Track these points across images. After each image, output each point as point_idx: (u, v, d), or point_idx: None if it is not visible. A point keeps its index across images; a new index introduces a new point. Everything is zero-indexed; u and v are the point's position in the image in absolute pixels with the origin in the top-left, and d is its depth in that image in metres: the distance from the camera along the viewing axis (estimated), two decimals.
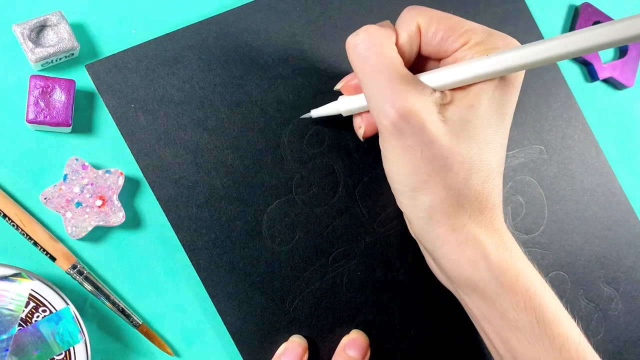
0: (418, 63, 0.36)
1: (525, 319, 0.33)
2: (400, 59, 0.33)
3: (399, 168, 0.33)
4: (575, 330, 0.34)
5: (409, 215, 0.35)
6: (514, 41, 0.33)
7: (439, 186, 0.33)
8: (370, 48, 0.33)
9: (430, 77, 0.33)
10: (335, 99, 0.40)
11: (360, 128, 0.39)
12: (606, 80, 0.52)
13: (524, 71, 0.34)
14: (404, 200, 0.35)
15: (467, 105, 0.32)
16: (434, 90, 0.33)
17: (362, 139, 0.40)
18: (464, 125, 0.32)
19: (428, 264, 0.40)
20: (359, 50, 0.33)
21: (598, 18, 0.52)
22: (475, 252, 0.33)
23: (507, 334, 0.34)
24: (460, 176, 0.32)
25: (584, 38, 0.28)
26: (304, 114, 0.42)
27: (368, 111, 0.39)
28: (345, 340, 0.41)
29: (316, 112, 0.41)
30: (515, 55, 0.31)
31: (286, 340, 0.40)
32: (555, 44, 0.29)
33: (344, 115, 0.40)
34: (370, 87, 0.33)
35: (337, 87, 0.39)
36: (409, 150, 0.32)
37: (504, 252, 0.34)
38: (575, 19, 0.51)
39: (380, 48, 0.33)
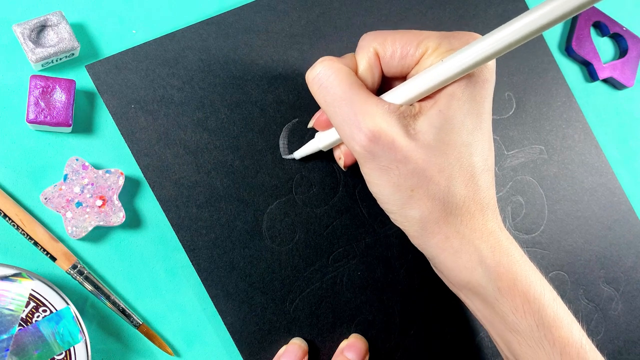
0: (385, 85, 0.36)
1: (524, 322, 0.33)
2: (360, 83, 0.33)
3: (382, 189, 0.34)
4: (577, 331, 0.34)
5: (405, 230, 0.36)
6: (472, 36, 0.33)
7: (423, 199, 0.33)
8: (328, 78, 0.33)
9: (394, 95, 0.33)
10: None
11: (340, 159, 0.40)
12: (606, 80, 0.52)
13: (494, 64, 0.34)
14: (396, 218, 0.35)
15: (437, 112, 0.32)
16: (399, 105, 0.33)
17: (344, 169, 0.41)
18: (436, 133, 0.32)
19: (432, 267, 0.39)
20: (317, 82, 0.34)
21: (598, 18, 0.52)
22: (470, 258, 0.33)
23: (509, 337, 0.34)
24: (441, 185, 0.32)
25: (529, 21, 0.28)
26: (304, 114, 0.42)
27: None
28: (343, 343, 0.41)
29: (299, 153, 0.41)
30: (468, 53, 0.30)
31: (286, 340, 0.40)
32: (502, 34, 0.29)
33: (324, 150, 0.40)
34: (336, 117, 0.33)
35: (310, 125, 0.39)
36: (385, 170, 0.32)
37: (500, 256, 0.33)
38: (575, 19, 0.51)
39: (338, 76, 0.33)
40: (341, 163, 0.40)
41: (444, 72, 0.31)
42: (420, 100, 0.33)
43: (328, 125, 0.38)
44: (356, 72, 0.34)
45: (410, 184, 0.32)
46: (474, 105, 0.33)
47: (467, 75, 0.32)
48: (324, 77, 0.33)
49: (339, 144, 0.39)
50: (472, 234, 0.33)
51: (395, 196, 0.33)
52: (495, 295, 0.33)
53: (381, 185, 0.33)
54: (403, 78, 0.35)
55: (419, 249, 0.36)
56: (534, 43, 0.49)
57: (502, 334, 0.35)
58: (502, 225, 0.35)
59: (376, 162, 0.32)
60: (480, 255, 0.33)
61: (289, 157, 0.41)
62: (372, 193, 0.35)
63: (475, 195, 0.33)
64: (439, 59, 0.32)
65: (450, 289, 0.37)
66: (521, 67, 0.48)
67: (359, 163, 0.34)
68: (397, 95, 0.33)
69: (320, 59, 0.34)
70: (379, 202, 0.35)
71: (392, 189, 0.33)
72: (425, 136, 0.32)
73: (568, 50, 0.51)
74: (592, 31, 0.53)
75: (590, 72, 0.52)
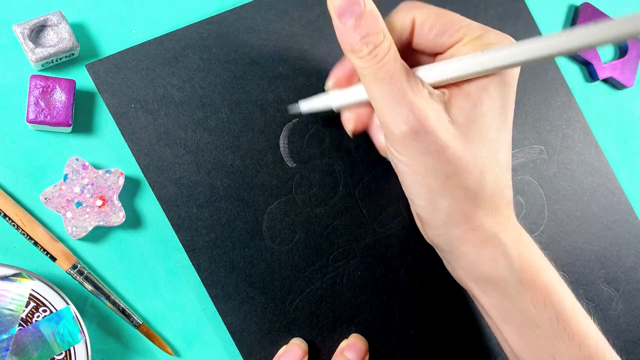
0: (411, 56, 0.36)
1: (544, 315, 0.33)
2: (403, 62, 0.32)
3: (416, 170, 0.33)
4: (593, 326, 0.34)
5: (427, 218, 0.35)
6: (509, 38, 0.33)
7: (456, 187, 0.33)
8: (389, 52, 0.31)
9: (429, 72, 0.33)
10: None
11: (349, 122, 0.38)
12: (606, 80, 0.52)
13: (519, 69, 0.34)
14: (420, 202, 0.34)
15: (471, 106, 0.32)
16: (435, 89, 0.33)
17: (350, 135, 0.39)
18: (470, 125, 0.32)
19: (445, 264, 0.39)
20: (375, 53, 0.31)
21: (598, 18, 0.52)
22: (494, 249, 0.34)
23: (527, 331, 0.34)
24: (474, 175, 0.32)
25: (580, 35, 0.28)
26: (304, 114, 0.41)
27: (359, 105, 0.37)
28: (343, 344, 0.41)
29: (305, 105, 0.39)
30: (512, 51, 0.31)
31: (286, 340, 0.40)
32: (552, 42, 0.29)
33: (336, 110, 0.38)
34: (382, 94, 0.32)
35: (328, 85, 0.37)
36: (426, 153, 0.32)
37: (523, 249, 0.34)
38: (575, 19, 0.51)
39: (396, 54, 0.32)
40: (350, 127, 0.38)
41: (485, 62, 0.31)
42: (448, 87, 0.33)
43: (348, 82, 0.37)
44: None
45: (446, 170, 0.32)
46: (503, 104, 0.33)
47: (498, 76, 0.33)
48: (385, 50, 0.31)
49: (351, 106, 0.37)
50: (496, 227, 0.34)
51: (428, 180, 0.33)
52: (517, 287, 0.34)
53: (416, 167, 0.33)
54: (431, 55, 0.35)
55: (434, 241, 0.36)
56: None
57: (519, 329, 0.34)
58: (519, 223, 0.35)
59: (417, 144, 0.32)
60: (505, 248, 0.34)
61: (294, 110, 0.40)
62: (402, 175, 0.34)
63: (503, 190, 0.34)
64: (476, 50, 0.32)
65: (463, 284, 0.37)
66: (521, 67, 0.48)
67: (393, 142, 0.33)
68: (434, 72, 0.33)
69: (381, 30, 0.31)
70: (406, 183, 0.34)
71: (427, 172, 0.32)
72: (462, 127, 0.32)
73: None
74: None
75: (590, 72, 0.52)
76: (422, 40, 0.34)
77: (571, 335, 0.33)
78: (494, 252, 0.34)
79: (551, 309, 0.33)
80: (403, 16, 0.34)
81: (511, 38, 0.34)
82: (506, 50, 0.31)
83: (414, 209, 0.36)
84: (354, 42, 0.31)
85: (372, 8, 0.31)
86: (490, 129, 0.33)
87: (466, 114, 0.32)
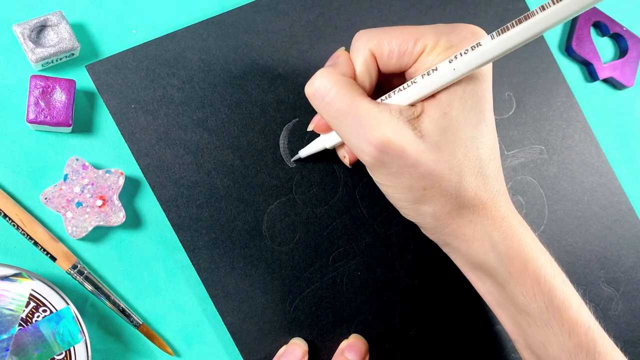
0: (383, 81, 0.36)
1: (534, 304, 0.34)
2: (361, 91, 0.33)
3: (394, 190, 0.34)
4: (585, 313, 0.35)
5: (418, 223, 0.37)
6: (469, 30, 0.33)
7: (436, 196, 0.33)
8: (328, 93, 0.33)
9: (398, 98, 0.33)
10: None
11: (345, 158, 0.40)
12: (606, 80, 0.52)
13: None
14: (408, 213, 0.36)
15: (441, 114, 0.32)
16: (401, 107, 0.33)
17: (349, 167, 0.41)
18: (442, 133, 0.32)
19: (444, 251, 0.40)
20: (319, 97, 0.33)
21: (598, 18, 0.52)
22: (483, 244, 0.34)
23: (518, 319, 0.35)
24: (453, 181, 0.33)
25: (537, 21, 0.28)
26: (304, 114, 0.42)
27: None
28: (343, 344, 0.41)
29: (304, 152, 0.41)
30: (475, 55, 0.30)
31: (286, 340, 0.40)
32: (513, 33, 0.29)
33: (330, 148, 0.40)
34: (342, 130, 0.33)
35: (310, 128, 0.39)
36: (397, 175, 0.33)
37: (512, 241, 0.34)
38: (575, 19, 0.51)
39: (339, 89, 0.33)
40: (346, 161, 0.40)
41: (450, 74, 0.31)
42: (421, 101, 0.33)
43: (329, 128, 0.38)
44: (353, 75, 0.34)
45: (422, 184, 0.33)
46: (476, 100, 0.33)
47: (467, 76, 0.32)
48: (325, 92, 0.33)
49: (342, 143, 0.39)
50: (484, 222, 0.34)
51: (407, 195, 0.34)
52: (507, 278, 0.34)
53: (393, 187, 0.34)
54: (401, 74, 0.35)
55: (431, 238, 0.37)
56: (534, 43, 0.49)
57: (512, 316, 0.35)
58: (514, 209, 0.35)
59: (386, 169, 0.33)
60: (493, 241, 0.34)
61: (295, 158, 0.41)
62: (382, 191, 0.36)
63: (486, 185, 0.34)
64: (440, 56, 0.32)
65: (462, 270, 0.38)
66: (521, 67, 0.48)
67: (368, 170, 0.35)
68: (403, 97, 0.33)
69: (318, 73, 0.34)
70: (390, 200, 0.36)
71: (404, 189, 0.34)
72: (432, 137, 0.32)
73: (568, 50, 0.51)
74: (592, 31, 0.53)
75: (590, 72, 0.52)
76: (388, 66, 0.35)
77: (560, 323, 0.34)
78: (482, 246, 0.34)
79: (540, 298, 0.34)
80: (362, 52, 0.34)
81: (468, 28, 0.33)
82: (468, 57, 0.30)
83: (404, 216, 0.37)
84: (307, 92, 0.34)
85: (322, 76, 0.34)
86: (464, 130, 0.33)
87: (437, 123, 0.32)
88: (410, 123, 0.32)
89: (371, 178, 0.42)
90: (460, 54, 0.31)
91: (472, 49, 0.30)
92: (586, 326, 0.34)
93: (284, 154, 0.41)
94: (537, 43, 0.49)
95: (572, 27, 0.51)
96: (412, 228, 0.43)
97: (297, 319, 0.41)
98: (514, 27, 0.29)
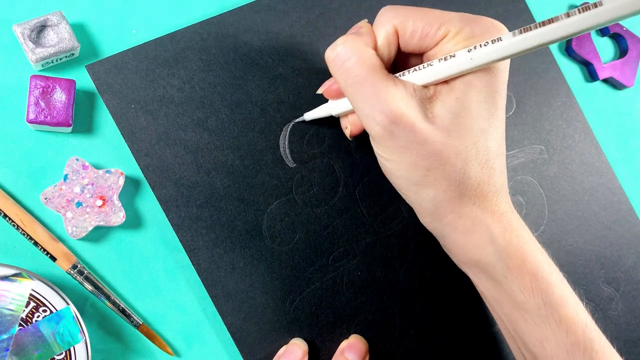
0: (400, 59, 0.37)
1: (532, 301, 0.34)
2: (380, 64, 0.33)
3: (398, 165, 0.34)
4: (582, 312, 0.35)
5: (416, 208, 0.36)
6: (492, 24, 0.33)
7: (439, 179, 0.33)
8: (349, 59, 0.33)
9: (412, 77, 0.33)
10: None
11: (347, 128, 0.40)
12: (606, 80, 0.52)
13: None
14: (408, 194, 0.36)
15: (454, 99, 0.33)
16: (415, 87, 0.33)
17: (349, 138, 0.41)
18: (453, 119, 0.33)
19: (443, 248, 0.40)
20: (339, 63, 0.34)
21: None
22: (481, 237, 0.34)
23: (515, 316, 0.35)
24: (457, 167, 0.33)
25: (559, 27, 0.28)
26: (302, 113, 0.42)
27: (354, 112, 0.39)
28: (344, 344, 0.41)
29: (309, 115, 0.41)
30: (494, 49, 0.31)
31: (286, 340, 0.40)
32: (534, 34, 0.29)
33: (335, 116, 0.40)
34: (356, 97, 0.33)
35: (319, 91, 0.39)
36: (403, 149, 0.33)
37: (511, 236, 0.34)
38: None
39: (360, 57, 0.33)
40: (347, 132, 0.40)
41: (468, 62, 0.32)
42: (435, 84, 0.33)
43: (338, 95, 0.38)
44: (374, 47, 0.34)
45: (426, 163, 0.33)
46: (490, 93, 0.33)
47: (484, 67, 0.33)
48: (345, 58, 0.33)
49: (347, 113, 0.39)
50: (484, 215, 0.34)
51: (410, 173, 0.34)
52: (505, 273, 0.34)
53: (397, 162, 0.34)
54: (419, 55, 0.36)
55: (428, 228, 0.37)
56: None
57: (508, 313, 0.35)
58: (512, 207, 0.36)
59: (395, 141, 0.33)
60: (491, 235, 0.34)
61: (300, 119, 0.41)
62: (384, 168, 0.36)
63: (490, 178, 0.34)
64: (460, 44, 0.33)
65: (459, 267, 0.38)
66: (521, 67, 0.48)
67: (373, 140, 0.35)
68: (417, 77, 0.33)
69: (341, 38, 0.34)
70: (390, 177, 0.36)
71: (408, 166, 0.34)
72: (444, 121, 0.32)
73: (568, 50, 0.51)
74: (593, 31, 0.53)
75: (590, 72, 0.52)
76: (408, 45, 0.35)
77: (558, 321, 0.34)
78: (480, 239, 0.34)
79: (538, 295, 0.34)
80: (385, 26, 0.35)
81: (494, 23, 0.33)
82: (488, 49, 0.31)
83: (405, 199, 0.37)
84: (327, 56, 0.34)
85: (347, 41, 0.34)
86: (476, 120, 0.33)
87: (449, 107, 0.33)
88: (423, 103, 0.33)
89: (372, 178, 0.43)
90: (480, 45, 0.31)
91: (492, 42, 0.31)
92: (583, 324, 0.34)
93: (284, 154, 0.41)
94: None
95: None
96: (413, 228, 0.43)
97: (297, 319, 0.41)
98: (536, 28, 0.29)
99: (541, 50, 0.49)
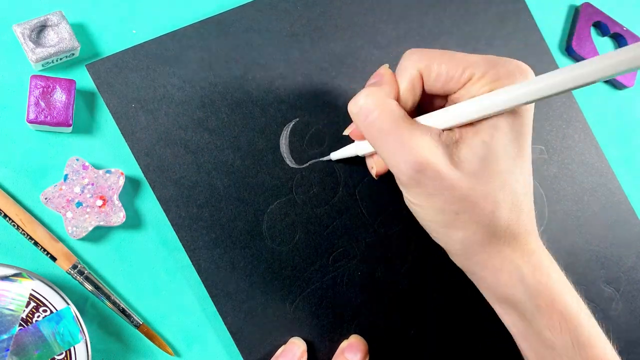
0: (424, 100, 0.37)
1: (560, 340, 0.34)
2: (403, 114, 0.33)
3: (426, 211, 0.34)
4: (610, 351, 0.35)
5: (446, 248, 0.36)
6: (517, 67, 0.33)
7: (468, 222, 0.33)
8: (372, 112, 0.33)
9: (437, 119, 0.33)
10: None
11: (372, 168, 0.40)
12: (606, 80, 0.52)
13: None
14: (438, 236, 0.36)
15: (480, 142, 0.32)
16: (441, 131, 0.33)
17: (375, 178, 0.41)
18: (480, 162, 0.32)
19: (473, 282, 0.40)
20: (363, 116, 0.34)
21: (598, 18, 0.52)
22: (511, 276, 0.34)
23: (544, 353, 0.35)
24: (486, 210, 0.33)
25: (587, 72, 0.28)
26: (304, 114, 0.42)
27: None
28: (344, 344, 0.41)
29: (335, 155, 0.42)
30: (519, 92, 0.30)
31: (287, 340, 0.40)
32: (561, 78, 0.29)
33: (361, 156, 0.40)
34: (381, 149, 0.34)
35: (345, 133, 0.39)
36: (431, 195, 0.33)
37: (540, 275, 0.34)
38: (576, 19, 0.51)
39: (382, 111, 0.33)
40: (373, 172, 0.40)
41: (493, 105, 0.31)
42: (460, 127, 0.33)
43: (364, 137, 0.38)
44: (397, 94, 0.34)
45: (455, 208, 0.33)
46: (515, 135, 0.33)
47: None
48: (368, 112, 0.33)
49: (372, 153, 0.40)
50: (513, 254, 0.34)
51: (438, 217, 0.34)
52: (533, 312, 0.34)
53: (425, 208, 0.34)
54: (444, 97, 0.36)
55: (458, 264, 0.37)
56: (534, 44, 0.49)
57: (537, 350, 0.35)
58: (542, 245, 0.35)
59: (421, 188, 0.33)
60: (521, 274, 0.34)
61: (325, 158, 0.42)
62: (414, 212, 0.36)
63: (519, 218, 0.34)
64: (486, 87, 0.32)
65: (488, 301, 0.38)
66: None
67: (401, 188, 0.35)
68: (441, 120, 0.33)
69: (363, 92, 0.34)
70: (420, 220, 0.36)
71: (436, 211, 0.34)
72: (470, 165, 0.32)
73: (568, 50, 0.51)
74: (593, 31, 0.53)
75: None
76: (432, 88, 0.35)
77: None
78: (510, 279, 0.34)
79: (567, 334, 0.34)
80: (410, 71, 0.35)
81: (520, 65, 0.33)
82: (512, 91, 0.31)
83: (434, 239, 0.37)
84: (350, 110, 0.35)
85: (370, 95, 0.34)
86: (502, 162, 0.33)
87: (476, 151, 0.32)
88: (449, 147, 0.33)
89: (372, 178, 0.42)
90: (505, 88, 0.31)
91: (518, 88, 0.31)
92: None
93: (284, 154, 0.41)
94: (537, 43, 0.49)
95: (573, 27, 0.51)
96: (413, 228, 0.43)
97: (297, 319, 0.41)
98: (562, 72, 0.29)
99: (541, 50, 0.49)
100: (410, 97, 0.35)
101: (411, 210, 0.36)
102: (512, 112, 0.33)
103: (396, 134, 0.33)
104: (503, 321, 0.38)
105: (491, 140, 0.32)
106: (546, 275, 0.34)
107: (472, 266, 0.36)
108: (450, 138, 0.33)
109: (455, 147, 0.33)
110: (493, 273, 0.35)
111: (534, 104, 0.34)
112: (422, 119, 0.34)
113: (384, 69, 0.36)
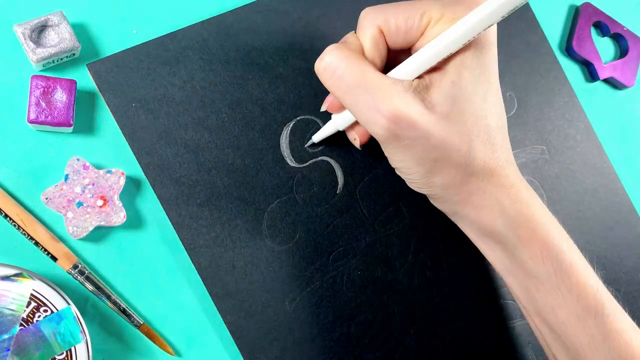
0: (393, 59, 0.37)
1: (542, 269, 0.34)
2: (370, 66, 0.33)
3: (406, 164, 0.35)
4: (593, 278, 0.35)
5: (426, 193, 0.37)
6: (473, 3, 0.33)
7: (447, 167, 0.34)
8: (339, 66, 0.33)
9: (404, 70, 0.34)
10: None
11: (355, 140, 0.40)
12: (607, 80, 0.52)
13: (495, 30, 0.34)
14: (418, 185, 0.36)
15: (450, 83, 0.33)
16: (411, 81, 0.33)
17: (359, 148, 0.41)
18: (451, 103, 0.33)
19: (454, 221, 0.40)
20: (329, 72, 0.34)
21: (599, 18, 0.52)
22: (492, 210, 0.35)
23: (527, 284, 0.36)
24: (463, 151, 0.33)
25: None
26: (304, 113, 0.42)
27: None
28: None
29: (317, 137, 0.41)
30: (470, 19, 0.31)
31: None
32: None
33: (342, 130, 0.40)
34: (353, 104, 0.34)
35: (323, 108, 0.39)
36: (408, 147, 0.33)
37: (520, 206, 0.35)
38: (576, 19, 0.51)
39: (349, 63, 0.33)
40: (357, 143, 0.40)
41: (449, 42, 0.32)
42: (429, 72, 0.33)
43: (342, 107, 0.38)
44: (362, 52, 0.34)
45: (433, 156, 0.33)
46: (483, 70, 0.33)
47: (473, 43, 0.33)
48: (335, 66, 0.33)
49: (352, 125, 0.39)
50: (493, 189, 0.35)
51: (418, 168, 0.34)
52: (515, 243, 0.35)
53: (405, 161, 0.35)
54: (409, 49, 0.36)
55: (439, 207, 0.38)
56: (536, 43, 0.49)
57: (520, 282, 0.36)
58: (521, 177, 0.36)
59: (399, 141, 0.33)
60: (502, 207, 0.34)
61: (309, 143, 0.42)
62: (393, 165, 0.36)
63: (494, 153, 0.34)
64: (444, 28, 0.33)
65: (470, 239, 0.38)
66: (523, 67, 0.48)
67: (380, 143, 0.35)
68: (408, 70, 0.33)
69: (328, 48, 0.34)
70: (399, 173, 0.37)
71: (415, 162, 0.34)
72: (443, 107, 0.33)
73: (568, 50, 0.51)
74: (593, 31, 0.53)
75: (590, 72, 0.52)
76: (396, 42, 0.35)
77: (569, 287, 0.34)
78: (491, 213, 0.35)
79: (549, 263, 0.34)
80: (369, 29, 0.35)
81: (474, 0, 0.33)
82: (464, 21, 0.31)
83: (413, 188, 0.37)
84: (317, 68, 0.35)
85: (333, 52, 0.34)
86: (473, 99, 0.33)
87: (446, 92, 0.33)
88: (420, 94, 0.33)
89: (372, 177, 0.43)
90: (460, 19, 0.31)
91: (468, 16, 0.31)
92: (594, 289, 0.34)
93: (284, 154, 0.41)
94: (539, 43, 0.49)
95: (573, 27, 0.51)
96: (413, 228, 0.43)
97: (297, 318, 0.41)
98: None
99: (543, 50, 0.49)
100: (376, 55, 0.35)
101: (393, 166, 0.36)
102: (476, 47, 0.33)
103: (366, 86, 0.33)
104: (488, 259, 0.38)
105: (459, 79, 0.33)
106: (526, 207, 0.35)
107: (453, 206, 0.36)
108: (421, 85, 0.33)
109: (427, 93, 0.33)
110: (474, 209, 0.35)
111: (494, 37, 0.34)
112: (390, 74, 0.34)
113: (349, 34, 0.36)
